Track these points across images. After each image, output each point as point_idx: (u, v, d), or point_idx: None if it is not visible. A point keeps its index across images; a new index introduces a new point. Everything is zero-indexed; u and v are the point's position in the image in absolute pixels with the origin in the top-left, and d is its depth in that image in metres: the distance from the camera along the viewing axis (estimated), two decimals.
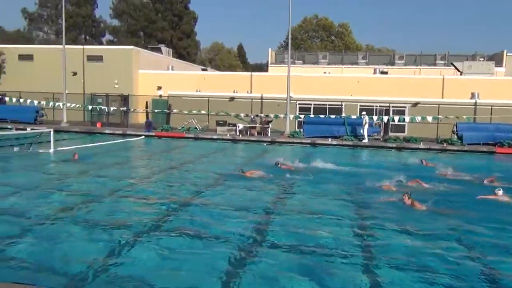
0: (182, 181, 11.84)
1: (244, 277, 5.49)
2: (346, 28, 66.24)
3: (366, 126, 23.61)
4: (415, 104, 26.71)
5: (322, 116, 25.69)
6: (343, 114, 26.07)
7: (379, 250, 6.60)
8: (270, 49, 43.04)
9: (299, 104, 28.46)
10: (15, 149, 16.63)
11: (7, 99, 28.57)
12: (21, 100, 26.58)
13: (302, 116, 26.46)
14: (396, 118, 23.66)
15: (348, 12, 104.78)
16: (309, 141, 23.56)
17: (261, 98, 28.97)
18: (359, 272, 5.79)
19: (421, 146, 22.33)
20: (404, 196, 9.30)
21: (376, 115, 26.57)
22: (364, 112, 24.57)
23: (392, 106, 26.99)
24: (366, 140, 23.40)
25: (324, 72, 35.27)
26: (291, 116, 25.83)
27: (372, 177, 12.39)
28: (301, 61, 42.33)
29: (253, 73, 35.22)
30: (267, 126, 25.73)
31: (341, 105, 27.57)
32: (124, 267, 5.67)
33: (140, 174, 13.17)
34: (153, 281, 5.27)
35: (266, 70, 42.35)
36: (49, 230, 7.06)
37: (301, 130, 25.93)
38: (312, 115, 26.55)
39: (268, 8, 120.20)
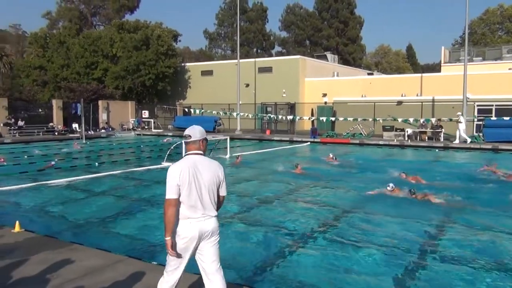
0: (345, 187, 11.77)
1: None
2: None
3: (462, 126, 21.72)
4: None
5: (506, 118, 22.70)
6: None
7: None
8: (443, 48, 39.75)
9: (477, 105, 25.67)
10: None
11: (191, 110, 32.60)
12: (203, 111, 29.91)
13: (481, 119, 23.93)
14: None
15: None
16: (489, 146, 21.03)
17: (433, 100, 26.98)
18: None
19: None
20: None
21: None
22: (459, 113, 22.44)
23: None
24: (468, 141, 21.58)
25: (510, 68, 31.10)
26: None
27: None
28: (480, 58, 38.04)
29: (424, 74, 33.13)
30: (440, 130, 23.86)
31: None
32: (288, 269, 5.92)
33: (301, 179, 13.47)
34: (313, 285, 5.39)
35: (438, 71, 39.30)
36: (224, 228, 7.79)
37: (480, 134, 23.34)
38: (493, 118, 23.75)
39: (441, 2, 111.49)
